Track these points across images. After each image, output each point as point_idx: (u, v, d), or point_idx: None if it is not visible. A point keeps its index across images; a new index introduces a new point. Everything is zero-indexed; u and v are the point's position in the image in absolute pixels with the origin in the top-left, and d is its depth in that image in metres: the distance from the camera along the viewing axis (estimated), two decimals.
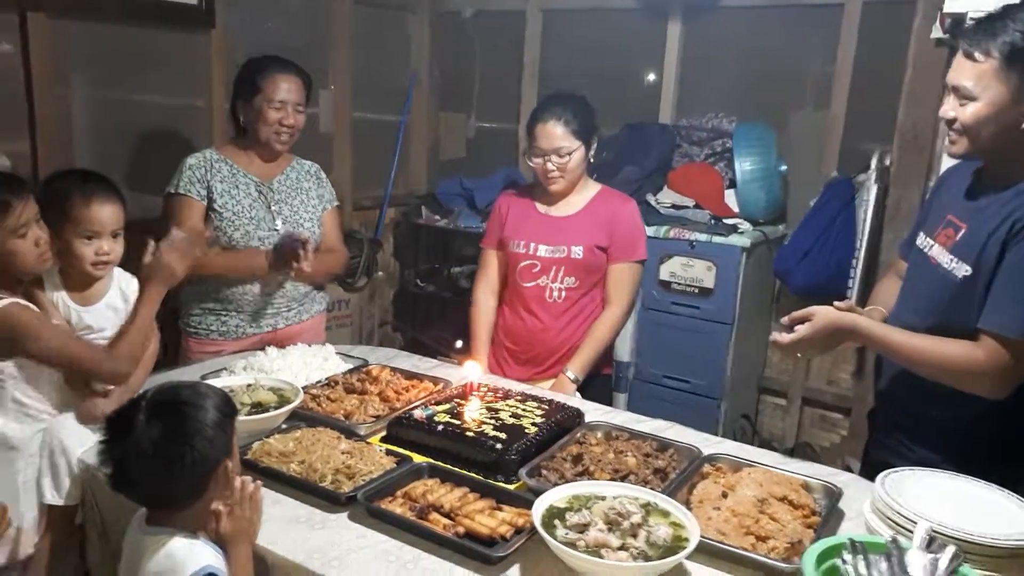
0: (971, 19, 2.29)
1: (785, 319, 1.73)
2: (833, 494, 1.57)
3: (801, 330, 1.68)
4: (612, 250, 2.38)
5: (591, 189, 2.45)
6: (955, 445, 1.67)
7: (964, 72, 1.55)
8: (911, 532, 1.30)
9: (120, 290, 1.91)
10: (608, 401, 2.42)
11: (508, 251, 2.45)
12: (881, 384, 1.88)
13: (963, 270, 1.60)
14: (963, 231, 1.64)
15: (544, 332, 2.41)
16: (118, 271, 1.92)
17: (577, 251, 2.36)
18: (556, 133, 2.29)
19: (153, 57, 3.12)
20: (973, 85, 1.53)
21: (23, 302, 1.63)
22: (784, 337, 1.71)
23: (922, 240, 1.77)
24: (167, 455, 1.23)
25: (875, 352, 1.77)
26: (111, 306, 1.87)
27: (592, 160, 2.43)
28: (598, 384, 2.46)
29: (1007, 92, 1.51)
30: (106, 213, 1.79)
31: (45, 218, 1.73)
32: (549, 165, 2.32)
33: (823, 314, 1.67)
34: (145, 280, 1.82)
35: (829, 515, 1.51)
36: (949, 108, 1.60)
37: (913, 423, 1.76)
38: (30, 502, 1.70)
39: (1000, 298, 1.54)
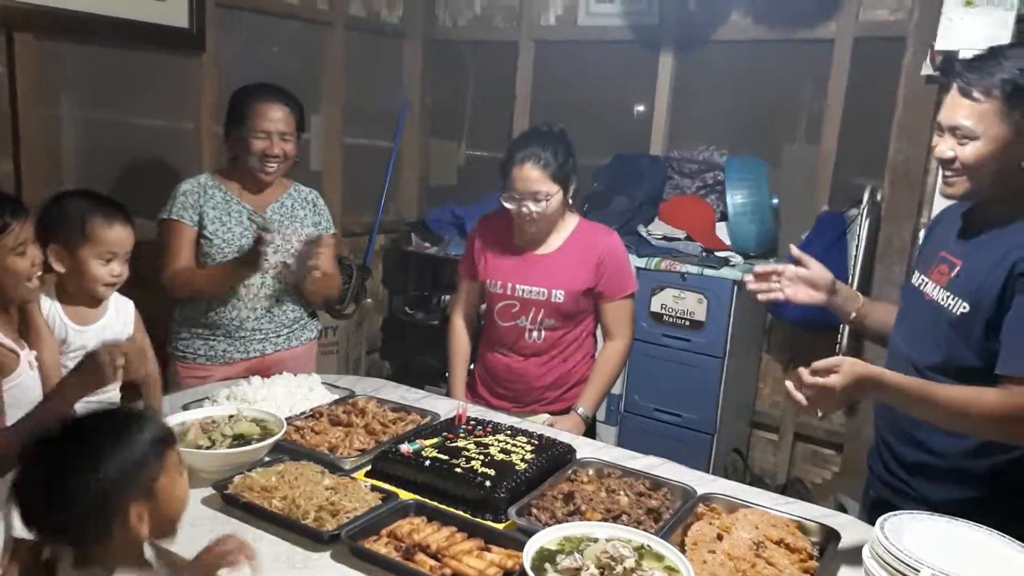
0: (961, 58, 2.30)
1: (806, 372, 1.49)
2: (830, 537, 1.53)
3: (831, 380, 1.47)
4: (604, 289, 2.30)
5: (570, 223, 2.33)
6: (964, 483, 1.64)
7: (963, 111, 1.53)
8: None
9: (116, 311, 1.89)
10: (591, 436, 2.38)
11: (486, 289, 2.38)
12: (882, 420, 1.86)
13: (961, 307, 1.58)
14: (958, 268, 1.62)
15: (523, 371, 2.35)
16: (115, 293, 1.91)
17: (558, 295, 2.26)
18: (533, 176, 2.16)
19: (142, 79, 3.09)
20: (975, 124, 1.51)
21: None
22: (804, 395, 1.49)
23: (916, 277, 1.76)
24: (46, 486, 1.11)
25: (903, 407, 1.60)
26: (107, 327, 1.87)
27: (571, 201, 2.30)
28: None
29: (1009, 130, 1.50)
30: (125, 235, 1.82)
31: (60, 236, 1.74)
32: (525, 210, 2.19)
33: (851, 365, 1.48)
34: (75, 374, 1.59)
35: (827, 559, 1.47)
36: (947, 148, 1.56)
37: (918, 461, 1.72)
38: None
39: (1017, 341, 1.50)
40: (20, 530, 1.63)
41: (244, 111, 2.32)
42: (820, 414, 1.53)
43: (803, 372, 1.50)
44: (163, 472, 1.18)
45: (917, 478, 1.71)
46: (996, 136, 1.50)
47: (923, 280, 1.72)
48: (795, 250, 1.86)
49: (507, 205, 2.24)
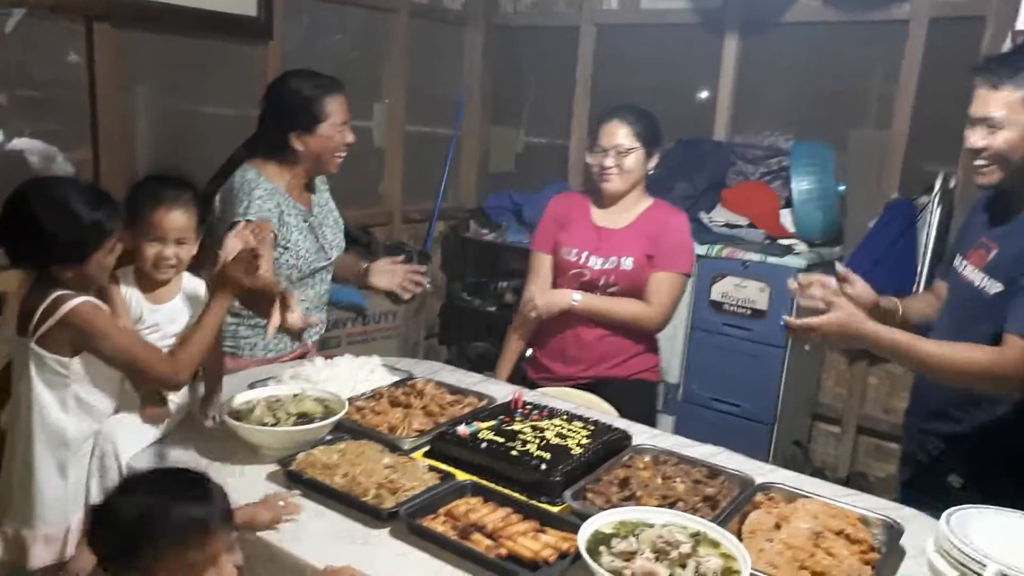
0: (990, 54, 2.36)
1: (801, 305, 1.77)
2: (893, 530, 1.49)
3: (817, 320, 1.71)
4: (655, 259, 2.38)
5: (645, 202, 2.46)
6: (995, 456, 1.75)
7: (992, 103, 1.66)
8: (979, 574, 1.23)
9: (190, 293, 1.93)
10: (650, 411, 2.44)
11: (560, 257, 2.46)
12: (915, 403, 2.01)
13: (995, 287, 1.69)
14: (994, 252, 1.74)
15: (583, 334, 2.41)
16: (188, 275, 1.95)
17: (627, 262, 2.37)
18: (618, 132, 2.34)
19: (212, 68, 3.19)
20: (1005, 115, 1.64)
21: (95, 301, 1.67)
22: (796, 322, 1.74)
23: (958, 261, 1.86)
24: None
25: (887, 356, 1.80)
26: (180, 307, 1.90)
27: (650, 172, 2.43)
28: (639, 390, 2.44)
29: None
30: (170, 219, 1.80)
31: (127, 218, 1.78)
32: (607, 161, 2.35)
33: (836, 315, 1.70)
34: (212, 290, 1.84)
35: (889, 552, 1.44)
36: (978, 138, 1.68)
37: (952, 432, 1.83)
38: (78, 503, 1.72)
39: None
40: (96, 499, 1.73)
41: (317, 110, 2.20)
42: (807, 347, 1.86)
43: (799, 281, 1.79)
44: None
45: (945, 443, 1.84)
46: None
47: (963, 263, 1.83)
48: (840, 268, 1.90)
49: (589, 161, 2.41)
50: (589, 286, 2.41)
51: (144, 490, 1.19)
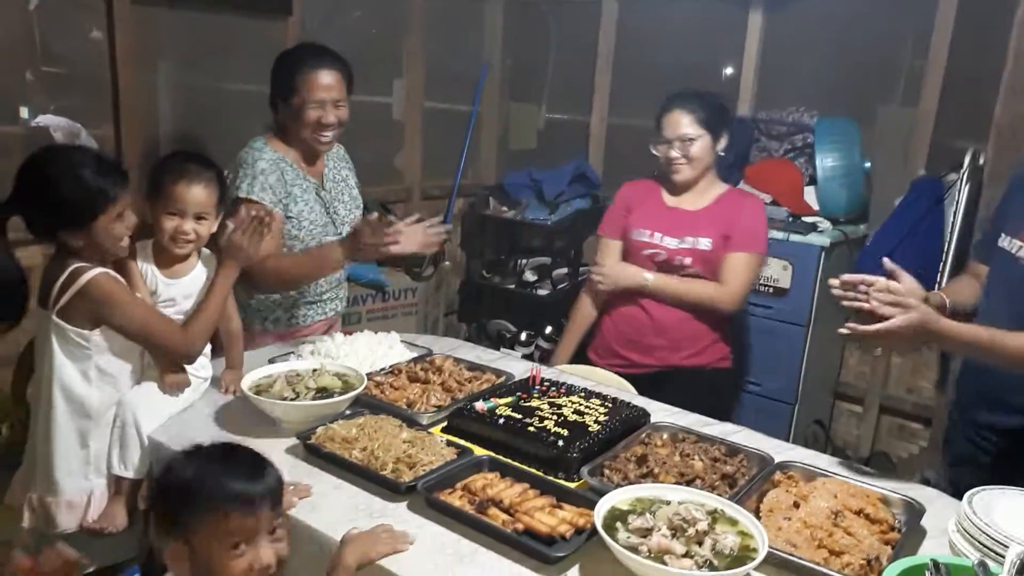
0: None
1: (867, 306, 1.56)
2: (914, 510, 1.48)
3: (892, 324, 1.51)
4: (731, 239, 2.37)
5: (719, 188, 2.46)
6: None
7: None
8: (1001, 556, 1.22)
9: (206, 269, 1.95)
10: (729, 401, 2.48)
11: (630, 240, 2.45)
12: (964, 393, 1.85)
13: None
14: None
15: (660, 319, 2.41)
16: (206, 252, 1.96)
17: (705, 243, 2.37)
18: (681, 121, 2.34)
19: (232, 44, 3.17)
20: None
21: (111, 272, 1.70)
22: (866, 328, 1.53)
23: (1007, 242, 1.73)
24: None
25: (960, 355, 1.70)
26: (196, 282, 1.92)
27: (722, 155, 2.44)
28: (719, 379, 2.46)
29: None
30: (191, 194, 1.82)
31: (148, 191, 1.82)
32: (673, 152, 2.36)
33: (909, 312, 1.51)
34: (221, 260, 1.86)
35: (909, 532, 1.43)
36: None
37: (1010, 426, 1.70)
38: (100, 471, 1.75)
39: None
40: (118, 469, 1.76)
41: (294, 81, 2.19)
42: (876, 353, 1.63)
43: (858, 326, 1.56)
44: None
45: (1006, 440, 1.70)
46: None
47: (1015, 244, 1.70)
48: (888, 263, 1.71)
49: (655, 153, 2.41)
50: (665, 266, 2.40)
51: (203, 457, 1.22)
